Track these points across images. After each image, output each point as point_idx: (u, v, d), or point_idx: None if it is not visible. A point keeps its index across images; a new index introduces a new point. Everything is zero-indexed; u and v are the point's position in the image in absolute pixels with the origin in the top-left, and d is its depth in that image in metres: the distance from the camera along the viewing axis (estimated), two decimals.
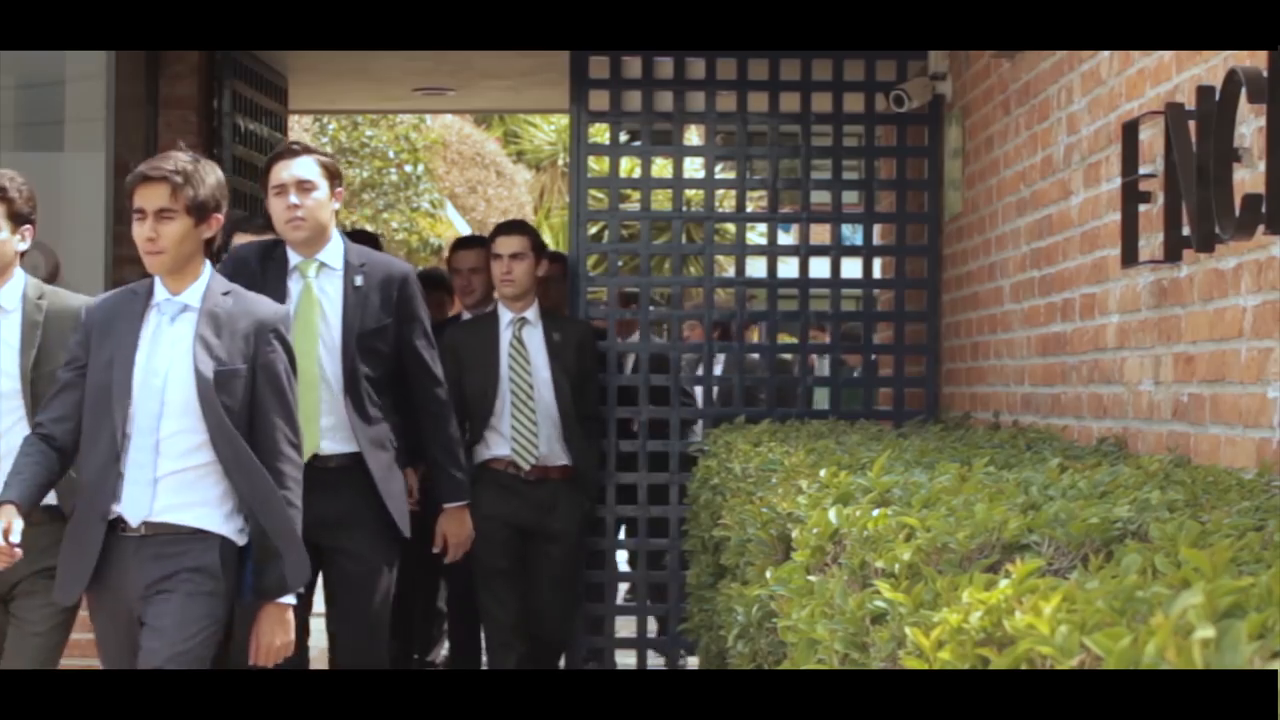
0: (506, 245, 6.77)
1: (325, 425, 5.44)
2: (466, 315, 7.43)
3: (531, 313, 6.82)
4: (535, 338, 6.79)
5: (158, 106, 7.45)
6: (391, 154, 18.61)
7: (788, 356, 7.95)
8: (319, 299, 5.45)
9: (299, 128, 16.88)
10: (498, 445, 6.72)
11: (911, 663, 1.95)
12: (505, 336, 6.75)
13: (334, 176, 5.51)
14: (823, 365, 9.52)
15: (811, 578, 2.71)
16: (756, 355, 7.65)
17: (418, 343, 5.61)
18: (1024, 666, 1.70)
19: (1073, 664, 1.63)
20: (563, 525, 6.84)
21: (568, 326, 6.92)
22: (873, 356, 7.67)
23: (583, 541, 7.09)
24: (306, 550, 4.56)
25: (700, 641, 5.69)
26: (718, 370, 8.65)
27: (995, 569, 2.31)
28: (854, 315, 7.83)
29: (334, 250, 5.51)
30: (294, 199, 5.39)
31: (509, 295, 6.76)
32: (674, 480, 7.40)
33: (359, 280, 5.48)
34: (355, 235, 7.13)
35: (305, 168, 5.43)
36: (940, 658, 1.87)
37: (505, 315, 6.79)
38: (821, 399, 8.29)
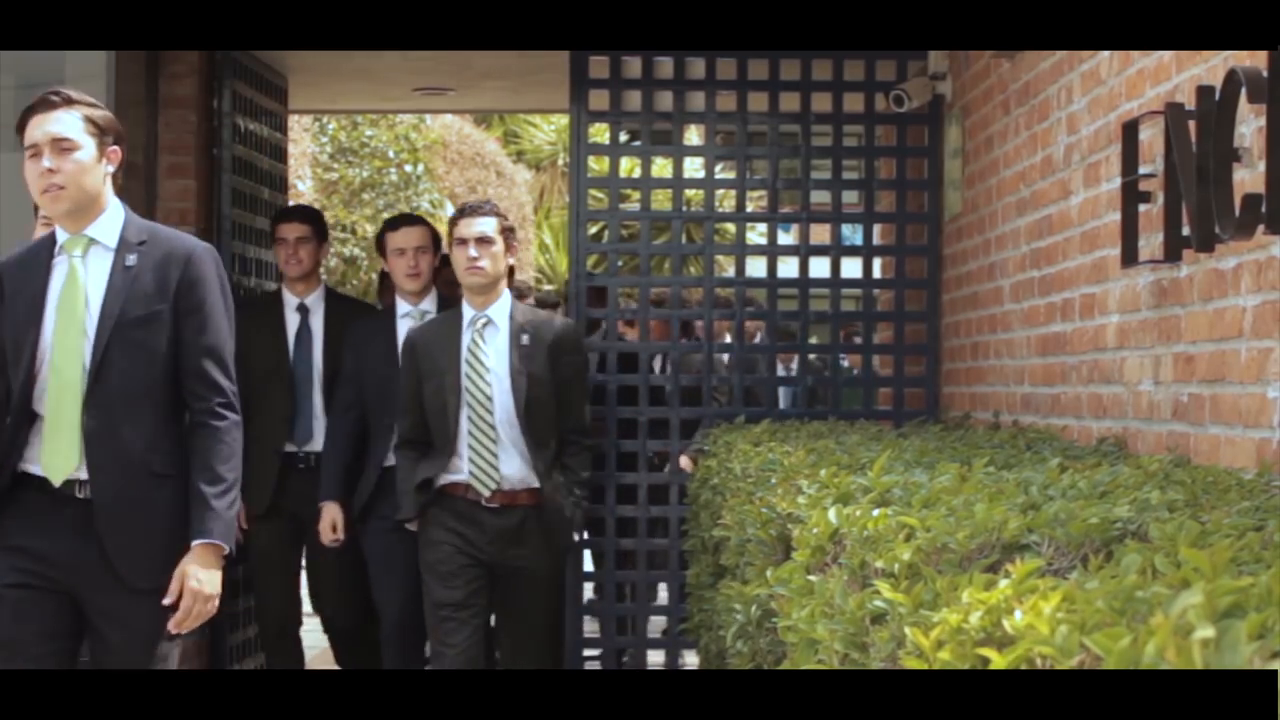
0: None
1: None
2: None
3: (497, 309, 6.13)
4: (499, 340, 6.08)
5: (158, 106, 7.44)
6: (391, 154, 18.60)
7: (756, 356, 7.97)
8: (83, 283, 4.35)
9: (299, 128, 16.87)
10: (456, 468, 6.03)
11: (911, 663, 1.95)
12: (465, 339, 6.09)
13: (104, 132, 4.41)
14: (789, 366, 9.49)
15: (811, 578, 2.71)
16: (726, 356, 7.65)
17: (198, 339, 4.35)
18: (1024, 666, 1.70)
19: (1073, 664, 1.63)
20: (532, 562, 6.09)
21: (544, 327, 6.16)
22: (873, 356, 7.68)
23: (559, 579, 6.32)
24: None
25: (700, 641, 5.69)
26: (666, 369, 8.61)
27: (995, 569, 2.31)
28: (854, 315, 7.83)
29: (108, 224, 4.40)
30: (48, 162, 4.31)
31: (472, 287, 6.12)
32: (674, 480, 7.40)
33: (131, 259, 4.35)
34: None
35: (63, 123, 4.36)
36: (940, 658, 1.87)
37: (468, 313, 6.14)
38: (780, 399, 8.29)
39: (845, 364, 9.05)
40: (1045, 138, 5.54)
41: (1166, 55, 4.31)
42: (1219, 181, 3.56)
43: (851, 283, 7.53)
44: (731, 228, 10.01)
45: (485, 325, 6.08)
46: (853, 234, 8.36)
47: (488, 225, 6.07)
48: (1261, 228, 3.39)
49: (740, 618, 3.42)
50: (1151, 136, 4.34)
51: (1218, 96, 3.60)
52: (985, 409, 6.34)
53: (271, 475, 6.85)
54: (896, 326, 7.54)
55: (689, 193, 8.33)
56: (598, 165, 7.80)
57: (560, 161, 24.07)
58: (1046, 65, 5.52)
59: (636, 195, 8.53)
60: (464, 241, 6.04)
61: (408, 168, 18.89)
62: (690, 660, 7.89)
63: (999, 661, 1.72)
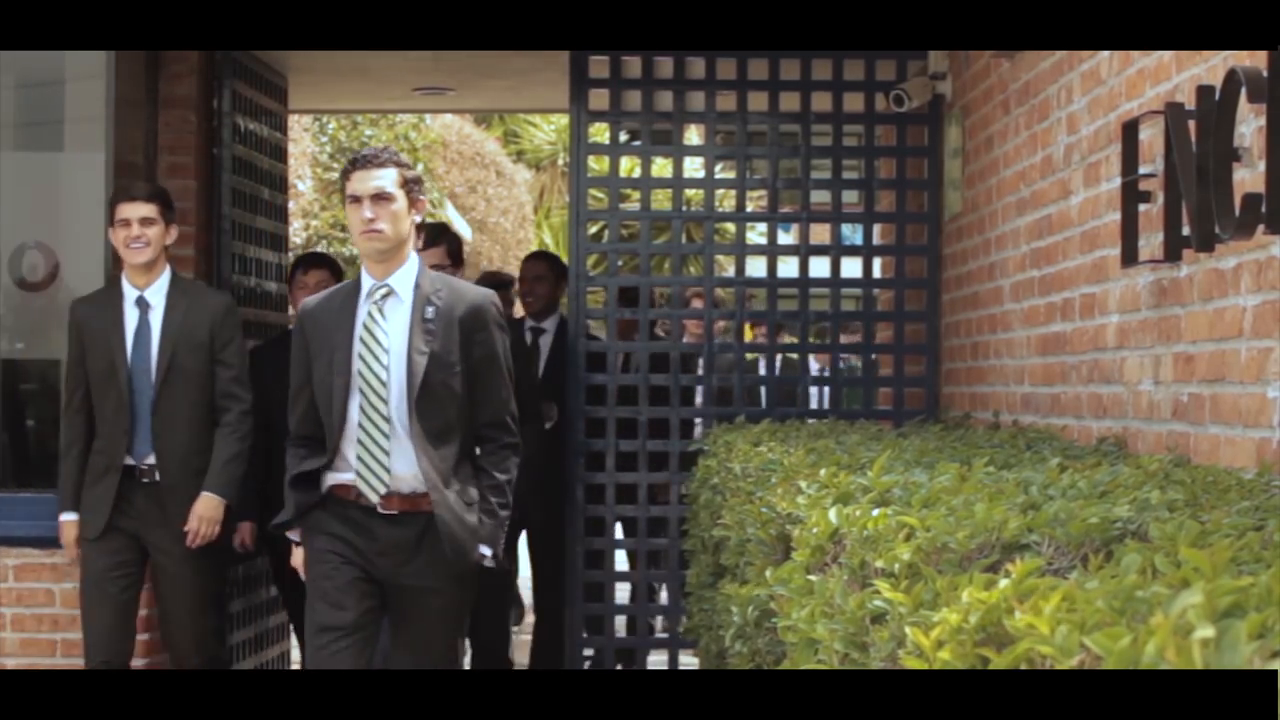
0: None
1: None
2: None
3: (401, 278, 5.08)
4: (400, 314, 5.07)
5: (158, 106, 7.44)
6: None
7: (752, 356, 8.00)
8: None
9: (299, 128, 16.87)
10: (345, 465, 5.05)
11: (911, 663, 1.95)
12: (361, 313, 5.08)
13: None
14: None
15: (811, 578, 2.71)
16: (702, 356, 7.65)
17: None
18: (1024, 666, 1.70)
19: (1072, 664, 1.63)
20: (429, 583, 5.04)
21: (455, 297, 5.10)
22: (873, 356, 7.68)
23: (464, 602, 5.22)
24: None
25: (700, 641, 5.69)
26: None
27: (995, 569, 2.31)
28: (854, 315, 7.83)
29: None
30: None
31: (369, 254, 5.10)
32: (674, 480, 7.41)
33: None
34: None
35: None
36: (940, 658, 1.87)
37: (366, 283, 5.12)
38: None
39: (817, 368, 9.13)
40: (1045, 138, 5.54)
41: (1166, 55, 4.31)
42: (1219, 181, 3.56)
43: (851, 282, 7.53)
44: (731, 227, 10.00)
45: (386, 296, 5.05)
46: (853, 234, 8.36)
47: (386, 179, 5.04)
48: (1261, 228, 3.39)
49: (737, 619, 3.42)
50: (1151, 136, 4.34)
51: (1218, 96, 3.60)
52: (985, 409, 6.34)
53: (110, 493, 6.02)
54: (896, 326, 7.54)
55: (689, 192, 8.33)
56: (598, 165, 7.81)
57: (560, 161, 24.08)
58: (1046, 65, 5.52)
59: (636, 195, 8.54)
60: (357, 200, 5.01)
61: None
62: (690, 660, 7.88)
63: (999, 661, 1.72)
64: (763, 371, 8.46)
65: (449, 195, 20.53)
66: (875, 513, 2.76)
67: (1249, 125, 3.66)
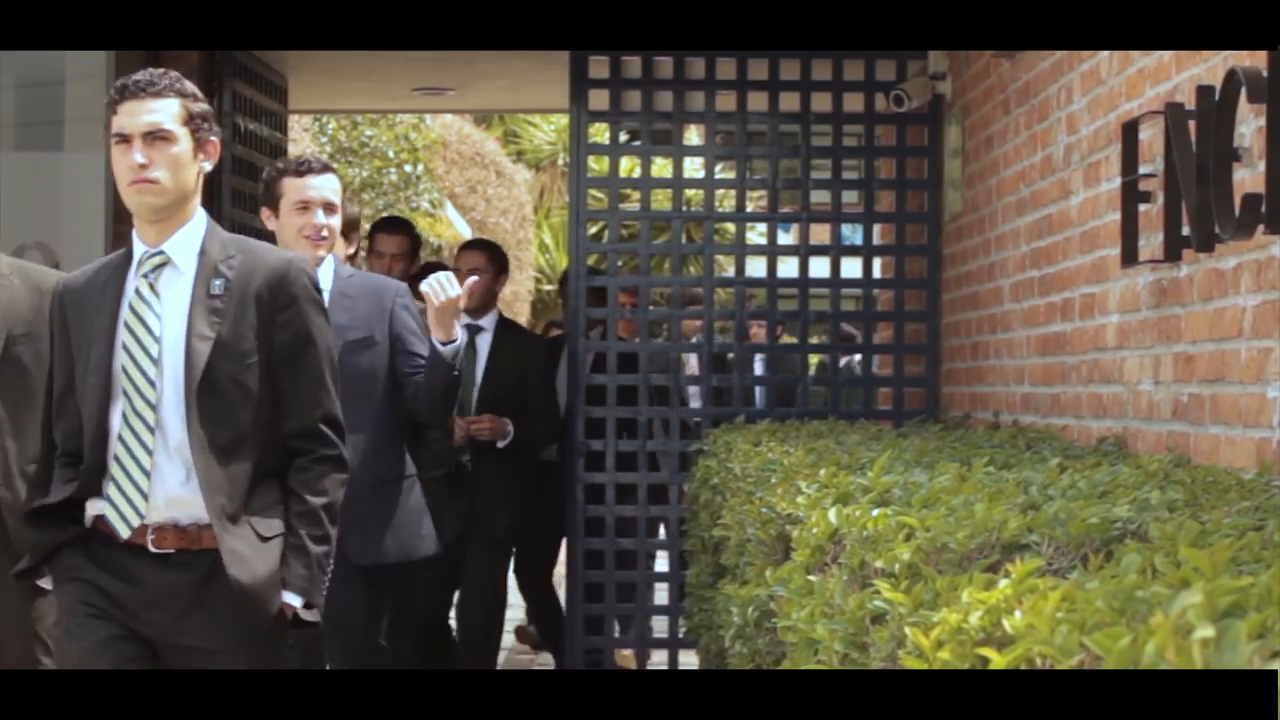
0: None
1: None
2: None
3: (180, 243, 3.85)
4: (178, 289, 3.85)
5: None
6: (391, 154, 18.60)
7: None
8: None
9: (299, 128, 16.87)
10: (105, 489, 3.87)
11: (911, 663, 1.95)
12: (128, 290, 3.87)
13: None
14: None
15: (811, 578, 2.71)
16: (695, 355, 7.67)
17: None
18: (1024, 666, 1.70)
19: (1072, 664, 1.63)
20: (216, 643, 3.83)
21: (252, 266, 3.88)
22: (873, 356, 7.69)
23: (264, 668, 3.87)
24: None
25: (700, 641, 5.69)
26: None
27: (995, 569, 2.31)
28: (854, 315, 7.83)
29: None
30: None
31: (140, 210, 3.86)
32: (674, 480, 7.41)
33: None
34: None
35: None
36: (940, 658, 1.87)
37: (138, 250, 3.90)
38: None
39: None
40: (1045, 138, 5.54)
41: (1166, 55, 4.31)
42: (1219, 181, 3.56)
43: (851, 283, 7.53)
44: (731, 228, 10.01)
45: (160, 267, 3.85)
46: (853, 234, 8.37)
47: (164, 112, 3.83)
48: (1261, 228, 3.39)
49: (737, 619, 3.42)
50: (1151, 136, 4.34)
51: (1218, 96, 3.60)
52: (985, 409, 6.34)
53: None
54: (896, 326, 7.54)
55: (689, 193, 8.33)
56: (598, 165, 7.81)
57: (560, 161, 24.07)
58: (1046, 65, 5.52)
59: (636, 195, 8.54)
60: (125, 139, 3.81)
61: (407, 168, 18.88)
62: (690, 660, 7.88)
63: (999, 661, 1.72)
64: (761, 371, 8.46)
65: (449, 195, 20.53)
66: (875, 513, 2.76)
67: (1249, 125, 3.66)
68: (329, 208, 5.17)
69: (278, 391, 3.89)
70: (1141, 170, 4.37)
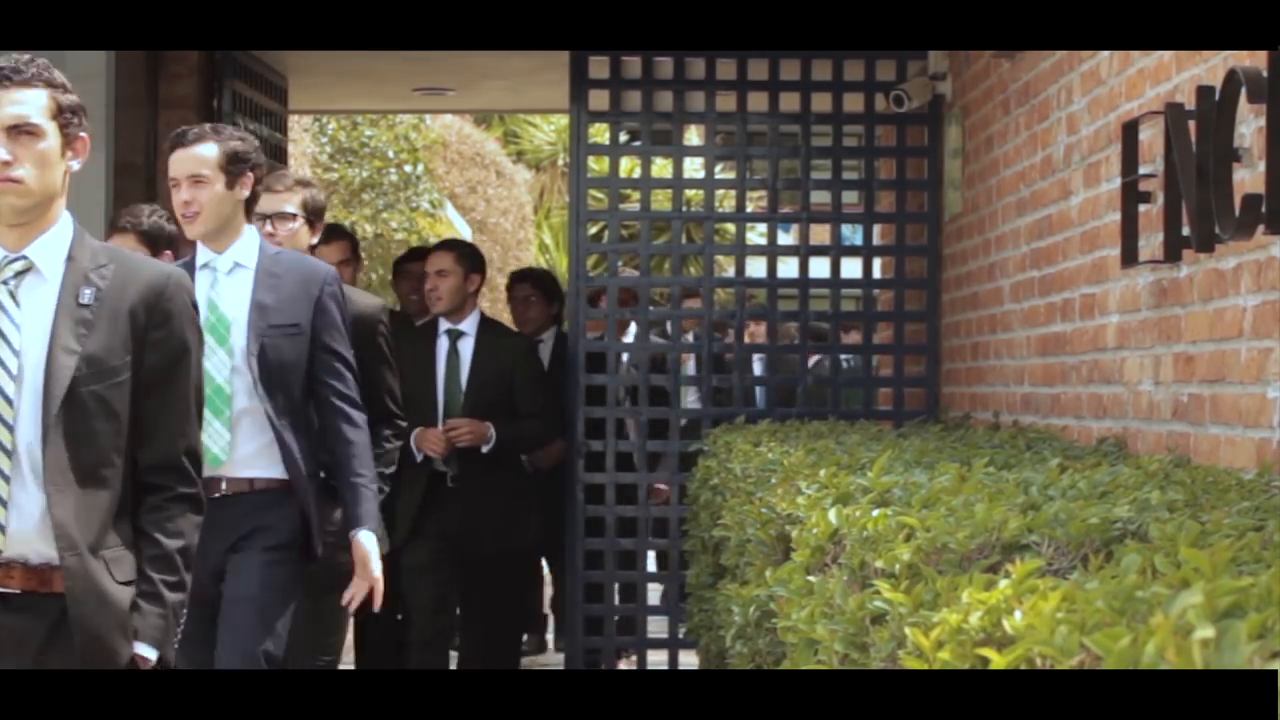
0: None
1: None
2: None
3: (44, 248, 3.45)
4: (41, 298, 3.46)
5: (158, 106, 7.45)
6: (391, 154, 18.60)
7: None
8: None
9: (299, 128, 16.88)
10: None
11: (911, 663, 1.95)
12: None
13: None
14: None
15: (811, 578, 2.71)
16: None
17: None
18: (1024, 666, 1.70)
19: (1072, 664, 1.63)
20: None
21: (126, 273, 3.51)
22: (873, 356, 7.69)
23: None
24: None
25: (701, 641, 5.69)
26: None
27: (995, 569, 2.31)
28: (854, 315, 7.84)
29: None
30: None
31: (7, 209, 3.41)
32: (674, 480, 7.41)
33: None
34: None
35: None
36: (940, 658, 1.87)
37: None
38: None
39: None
40: (1045, 138, 5.54)
41: (1166, 55, 4.31)
42: (1219, 181, 3.56)
43: (851, 283, 7.53)
44: (731, 228, 10.01)
45: (22, 274, 3.47)
46: (853, 234, 8.37)
47: (30, 104, 3.45)
48: (1261, 228, 3.39)
49: (738, 620, 3.42)
50: (1151, 136, 4.34)
51: (1218, 96, 3.60)
52: (985, 409, 6.34)
53: None
54: (896, 326, 7.54)
55: (689, 193, 8.33)
56: (598, 165, 7.81)
57: (560, 161, 24.08)
58: (1046, 65, 5.52)
59: (636, 195, 8.54)
60: None
61: (407, 168, 18.88)
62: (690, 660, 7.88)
63: (999, 661, 1.72)
64: (761, 371, 8.46)
65: (449, 195, 20.53)
66: (875, 513, 2.76)
67: (1249, 125, 3.66)
68: (196, 180, 4.67)
69: (139, 418, 3.47)
70: (1141, 170, 4.37)
